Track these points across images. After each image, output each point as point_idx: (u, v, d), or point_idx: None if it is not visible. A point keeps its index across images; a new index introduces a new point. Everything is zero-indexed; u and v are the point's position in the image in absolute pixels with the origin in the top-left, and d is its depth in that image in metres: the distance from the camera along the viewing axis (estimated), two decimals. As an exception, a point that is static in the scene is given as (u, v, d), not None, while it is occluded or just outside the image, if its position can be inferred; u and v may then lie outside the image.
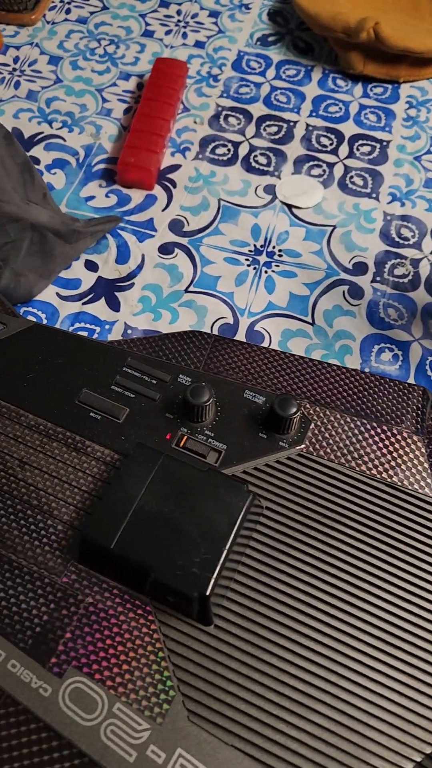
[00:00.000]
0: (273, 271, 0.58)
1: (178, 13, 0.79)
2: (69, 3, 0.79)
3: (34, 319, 0.52)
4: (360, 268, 0.59)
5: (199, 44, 0.76)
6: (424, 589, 0.36)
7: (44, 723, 0.31)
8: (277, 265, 0.59)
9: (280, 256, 0.59)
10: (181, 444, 0.40)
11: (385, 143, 0.68)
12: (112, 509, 0.35)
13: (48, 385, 0.42)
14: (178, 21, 0.78)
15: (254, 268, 0.59)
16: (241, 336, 0.54)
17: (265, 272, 0.58)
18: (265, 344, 0.54)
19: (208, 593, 0.33)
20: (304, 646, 0.34)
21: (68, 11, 0.78)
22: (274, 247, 0.60)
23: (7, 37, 0.75)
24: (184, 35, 0.77)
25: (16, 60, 0.73)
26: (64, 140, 0.66)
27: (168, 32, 0.77)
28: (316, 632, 0.35)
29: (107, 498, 0.35)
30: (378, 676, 0.34)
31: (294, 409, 0.40)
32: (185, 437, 0.40)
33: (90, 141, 0.66)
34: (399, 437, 0.42)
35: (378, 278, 0.58)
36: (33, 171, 0.52)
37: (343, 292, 0.57)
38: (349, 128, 0.69)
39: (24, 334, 0.44)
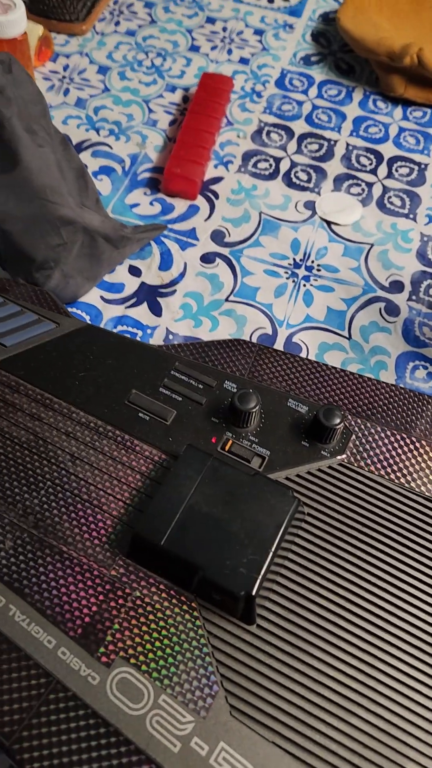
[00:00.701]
0: (311, 284, 0.60)
1: (224, 29, 0.81)
2: (118, 15, 0.81)
3: (85, 320, 0.53)
4: (396, 286, 0.60)
5: (243, 61, 0.78)
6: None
7: (92, 710, 0.32)
8: (316, 279, 0.60)
9: (318, 270, 0.61)
10: (226, 448, 0.41)
11: (423, 166, 0.69)
12: (163, 508, 0.36)
13: (99, 384, 0.43)
14: (224, 37, 0.80)
15: (293, 281, 0.60)
16: (279, 346, 0.55)
17: (304, 285, 0.60)
18: (302, 356, 0.55)
19: (254, 593, 0.34)
20: (343, 650, 0.35)
21: (117, 23, 0.80)
22: (312, 262, 0.61)
23: (57, 46, 0.77)
24: (229, 51, 0.79)
25: (66, 68, 0.75)
26: (111, 148, 0.68)
27: (213, 48, 0.79)
28: (354, 637, 0.35)
29: (158, 497, 0.36)
30: (415, 684, 0.34)
31: (338, 420, 0.41)
32: (230, 441, 0.41)
33: (136, 150, 0.68)
34: (437, 453, 0.43)
35: (414, 297, 0.59)
36: (87, 176, 0.54)
37: (380, 309, 0.59)
38: (388, 149, 0.71)
39: (76, 334, 0.45)
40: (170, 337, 0.55)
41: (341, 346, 0.56)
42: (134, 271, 0.59)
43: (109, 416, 0.42)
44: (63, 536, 0.37)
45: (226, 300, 0.58)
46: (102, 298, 0.57)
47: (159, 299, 0.58)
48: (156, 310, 0.57)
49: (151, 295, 0.58)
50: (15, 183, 0.50)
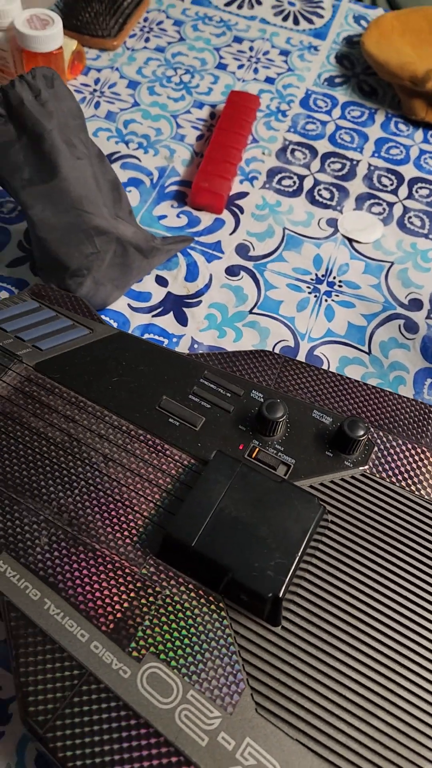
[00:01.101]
0: (333, 300, 0.61)
1: (251, 49, 0.83)
2: (149, 32, 0.83)
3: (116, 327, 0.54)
4: (416, 304, 0.62)
5: (269, 80, 0.80)
6: None
7: (123, 702, 0.33)
8: (337, 295, 0.62)
9: (340, 286, 0.62)
10: (253, 455, 0.42)
11: (444, 188, 0.71)
12: (194, 510, 0.37)
13: (131, 389, 0.44)
14: (251, 57, 0.82)
15: (315, 296, 0.61)
16: (301, 359, 0.57)
17: (326, 301, 0.61)
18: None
19: (281, 595, 0.35)
20: (365, 653, 0.36)
21: (147, 40, 0.82)
22: (334, 278, 0.63)
23: (89, 60, 0.79)
24: (256, 70, 0.81)
25: (96, 81, 0.77)
26: (140, 161, 0.70)
27: (240, 66, 0.81)
28: (375, 641, 0.36)
29: (189, 500, 0.38)
30: (434, 689, 0.35)
31: (362, 432, 0.42)
32: (257, 449, 0.42)
33: (164, 163, 0.70)
34: (456, 467, 0.44)
35: (433, 315, 0.61)
36: (120, 189, 0.55)
37: (399, 325, 0.60)
38: (409, 171, 0.72)
39: (109, 340, 0.47)
40: (195, 346, 0.57)
41: (361, 360, 0.58)
42: (161, 281, 0.61)
43: (141, 420, 0.43)
44: (96, 534, 0.38)
45: (250, 312, 0.59)
46: (129, 306, 0.59)
47: (185, 309, 0.59)
48: (182, 320, 0.58)
49: (177, 305, 0.59)
50: (53, 193, 0.51)
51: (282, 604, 0.35)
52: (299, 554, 0.36)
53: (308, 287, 0.62)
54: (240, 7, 0.88)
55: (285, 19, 0.87)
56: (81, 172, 0.52)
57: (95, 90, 0.76)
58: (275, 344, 0.58)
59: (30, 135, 0.50)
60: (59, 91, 0.51)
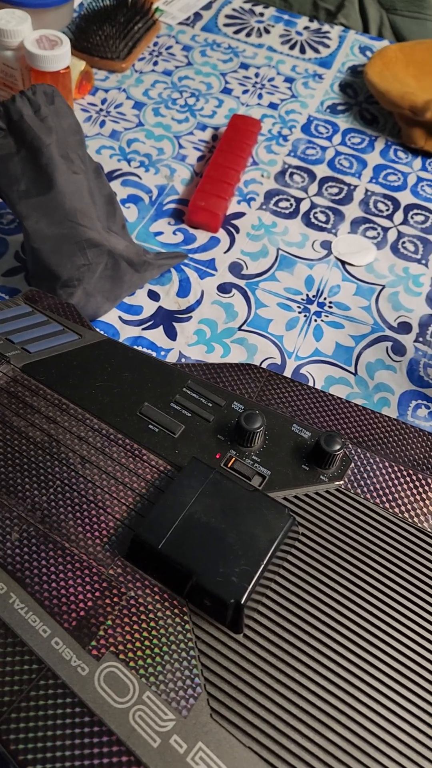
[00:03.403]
0: (322, 320, 0.62)
1: (256, 75, 0.85)
2: (157, 56, 0.86)
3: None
4: (404, 327, 0.62)
5: (272, 105, 0.81)
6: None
7: (79, 699, 0.33)
8: (327, 316, 0.62)
9: (330, 307, 0.63)
10: (229, 464, 0.43)
11: (438, 215, 0.72)
12: (164, 514, 0.38)
13: (114, 394, 0.45)
14: (256, 82, 0.84)
15: (305, 316, 0.62)
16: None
17: (315, 321, 0.62)
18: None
19: (243, 601, 0.35)
20: (325, 666, 0.36)
21: (156, 63, 0.85)
22: (325, 299, 0.64)
23: (98, 81, 0.81)
24: (260, 96, 0.82)
25: (103, 101, 0.79)
26: (140, 178, 0.71)
27: (245, 91, 0.83)
28: (338, 655, 0.37)
29: (160, 503, 0.38)
30: (396, 703, 0.35)
31: (338, 446, 0.43)
32: (233, 459, 0.43)
33: (163, 182, 0.71)
34: None
35: (420, 339, 0.62)
36: (116, 203, 0.57)
37: (387, 348, 0.61)
38: (405, 197, 0.74)
39: (97, 346, 0.48)
40: (182, 360, 0.58)
41: (347, 380, 0.58)
42: (153, 296, 0.62)
43: (121, 425, 0.44)
44: (66, 533, 0.38)
45: (239, 329, 0.60)
46: (120, 318, 0.60)
47: (175, 324, 0.60)
48: (171, 334, 0.59)
49: (167, 320, 0.60)
50: (48, 205, 0.53)
51: (244, 610, 0.36)
52: (265, 562, 0.37)
53: (298, 307, 0.63)
54: (248, 35, 0.90)
55: (292, 47, 0.90)
56: (77, 185, 0.53)
57: (101, 109, 0.78)
58: (262, 361, 0.58)
59: (29, 148, 0.52)
60: (59, 107, 0.53)
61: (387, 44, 0.92)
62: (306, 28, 0.93)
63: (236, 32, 0.91)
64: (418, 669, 0.37)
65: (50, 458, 0.41)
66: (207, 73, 0.84)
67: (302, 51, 0.89)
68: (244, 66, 0.86)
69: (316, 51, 0.90)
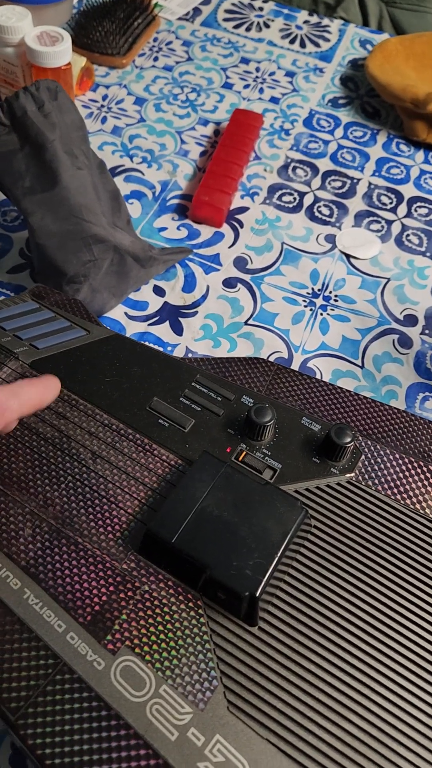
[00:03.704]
0: (328, 314, 0.62)
1: (257, 70, 0.85)
2: (157, 52, 0.85)
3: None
4: (410, 320, 0.62)
5: (274, 100, 0.81)
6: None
7: (96, 693, 0.33)
8: (333, 309, 0.62)
9: (335, 301, 0.63)
10: (240, 458, 0.43)
11: (442, 208, 0.72)
12: (176, 508, 0.38)
13: (123, 389, 0.45)
14: (257, 77, 0.84)
15: (310, 310, 0.62)
16: (294, 370, 0.57)
17: (321, 314, 0.62)
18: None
19: (258, 594, 0.35)
20: (341, 657, 0.36)
21: (156, 59, 0.84)
22: (330, 292, 0.63)
23: (98, 77, 0.81)
24: (261, 90, 0.82)
25: (105, 97, 0.79)
26: (143, 174, 0.71)
27: (246, 86, 0.83)
28: (352, 645, 0.37)
29: (172, 497, 0.38)
30: (411, 694, 0.35)
31: (349, 439, 0.43)
32: (244, 452, 0.43)
33: (166, 177, 0.71)
34: (443, 477, 0.44)
35: (427, 331, 0.61)
36: (120, 199, 0.57)
37: (393, 340, 0.61)
38: (408, 190, 0.73)
39: (105, 342, 0.47)
40: (189, 355, 0.57)
41: (354, 374, 0.58)
42: (158, 291, 0.62)
43: (131, 420, 0.44)
44: (79, 528, 0.38)
45: (245, 323, 0.60)
46: (126, 314, 0.60)
47: (181, 319, 0.60)
48: (177, 329, 0.59)
49: (173, 315, 0.60)
50: (53, 201, 0.53)
51: (259, 603, 0.36)
52: (278, 555, 0.37)
53: (304, 301, 0.63)
54: (248, 29, 0.90)
55: (292, 42, 0.89)
56: (81, 181, 0.53)
57: (102, 105, 0.78)
58: (269, 355, 0.58)
59: (32, 144, 0.52)
60: (62, 103, 0.53)
61: (387, 37, 0.91)
62: (306, 22, 0.93)
63: (236, 27, 0.90)
64: (434, 659, 0.37)
65: (61, 454, 0.41)
66: (208, 68, 0.84)
67: (302, 45, 0.89)
68: (245, 61, 0.86)
69: (317, 45, 0.89)
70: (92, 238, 0.53)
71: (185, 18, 0.91)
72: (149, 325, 0.59)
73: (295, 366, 0.58)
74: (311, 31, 0.91)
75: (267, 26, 0.91)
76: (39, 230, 0.53)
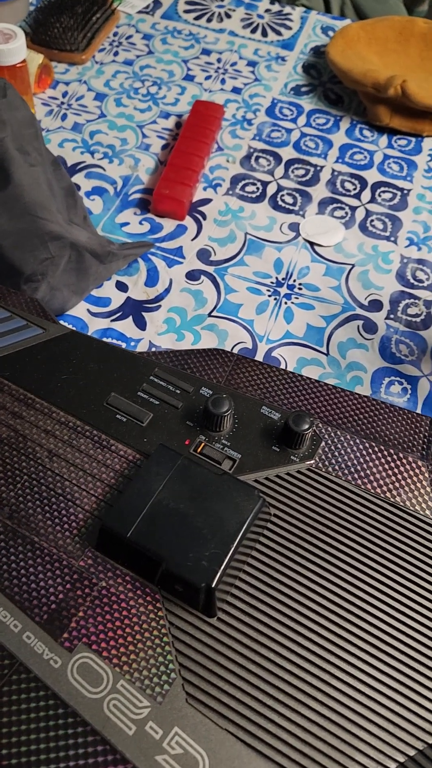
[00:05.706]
0: (292, 302, 0.62)
1: (218, 60, 0.84)
2: (117, 46, 0.85)
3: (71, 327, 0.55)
4: (375, 305, 0.62)
5: (236, 90, 0.81)
6: (417, 602, 0.38)
7: (52, 692, 0.33)
8: (297, 298, 0.62)
9: (299, 289, 0.63)
10: (199, 450, 0.43)
11: (405, 191, 0.72)
12: (131, 502, 0.37)
13: (80, 386, 0.45)
14: (218, 68, 0.83)
15: (275, 299, 0.62)
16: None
17: (285, 303, 0.62)
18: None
19: (214, 585, 0.35)
20: (300, 645, 0.36)
21: (116, 53, 0.84)
22: (294, 281, 0.63)
23: (58, 74, 0.80)
24: (222, 81, 0.82)
25: (65, 94, 0.78)
26: (104, 170, 0.71)
27: (207, 77, 0.82)
28: (312, 633, 0.37)
29: (127, 491, 0.38)
30: (369, 680, 0.35)
31: (307, 426, 0.42)
32: (203, 444, 0.43)
33: (128, 172, 0.71)
34: (405, 461, 0.44)
35: (392, 316, 0.61)
36: (76, 195, 0.56)
37: (358, 326, 0.61)
38: (372, 176, 0.73)
39: (62, 339, 0.47)
40: (152, 349, 0.57)
41: (319, 361, 0.58)
42: (121, 287, 0.61)
43: (88, 416, 0.43)
44: (35, 527, 0.38)
45: (209, 315, 0.60)
46: (89, 311, 0.59)
47: (144, 314, 0.60)
48: (140, 324, 0.59)
49: (136, 310, 0.60)
50: (6, 199, 0.52)
51: (216, 594, 0.36)
52: (235, 545, 0.37)
53: (268, 290, 0.62)
54: (209, 20, 0.90)
55: (254, 31, 0.89)
56: (34, 178, 0.52)
57: (62, 102, 0.77)
58: (233, 346, 0.58)
59: (-17, 143, 0.51)
60: (12, 100, 0.52)
61: (349, 23, 0.91)
62: (267, 10, 0.92)
63: (197, 18, 0.90)
64: (395, 646, 0.37)
65: (17, 454, 0.41)
66: (168, 61, 0.84)
67: (264, 34, 0.89)
68: (206, 52, 0.85)
69: (278, 33, 0.89)
70: (48, 235, 0.53)
71: (145, 11, 0.90)
72: (112, 321, 0.59)
73: (259, 356, 0.58)
74: (273, 20, 0.91)
75: (228, 16, 0.91)
76: (-6, 230, 0.53)
